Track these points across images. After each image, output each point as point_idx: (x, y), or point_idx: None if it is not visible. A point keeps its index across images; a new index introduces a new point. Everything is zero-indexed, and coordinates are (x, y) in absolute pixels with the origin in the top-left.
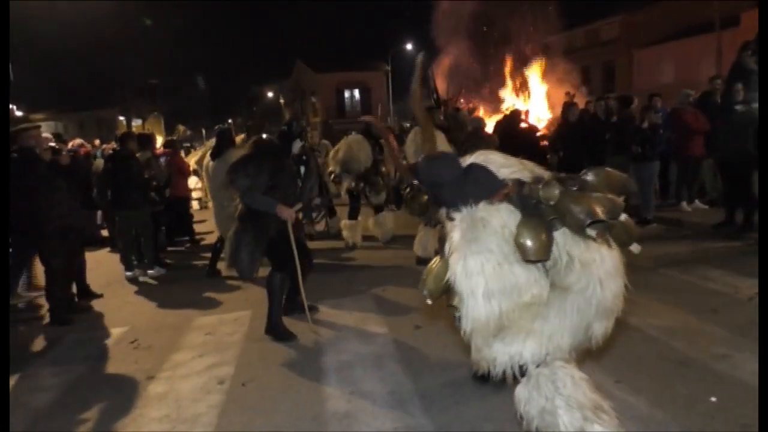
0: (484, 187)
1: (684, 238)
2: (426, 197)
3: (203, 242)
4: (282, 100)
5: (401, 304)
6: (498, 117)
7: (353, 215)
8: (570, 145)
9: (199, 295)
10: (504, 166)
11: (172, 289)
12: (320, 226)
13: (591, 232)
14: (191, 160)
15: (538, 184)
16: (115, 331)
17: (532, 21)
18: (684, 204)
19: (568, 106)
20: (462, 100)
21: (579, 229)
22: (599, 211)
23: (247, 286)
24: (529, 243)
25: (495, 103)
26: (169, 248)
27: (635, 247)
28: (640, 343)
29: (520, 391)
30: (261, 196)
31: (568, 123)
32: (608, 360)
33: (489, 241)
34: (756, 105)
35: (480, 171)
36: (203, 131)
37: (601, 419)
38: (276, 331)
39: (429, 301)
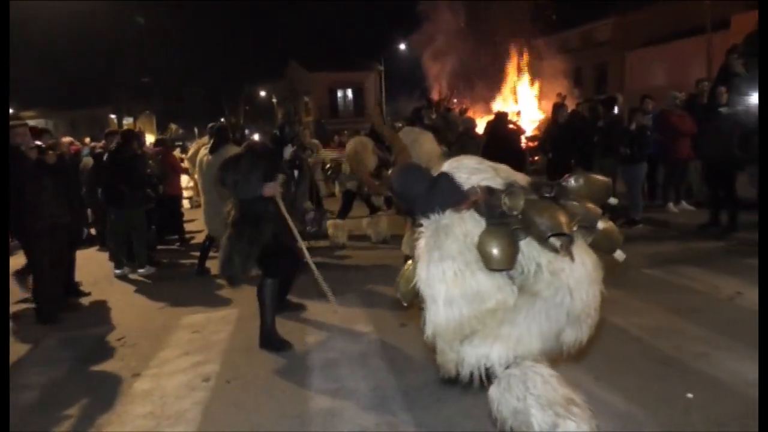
0: (449, 196)
1: (670, 239)
2: None
3: (193, 241)
4: (275, 100)
5: (387, 303)
6: (489, 117)
7: (343, 215)
8: (559, 147)
9: (188, 294)
10: (476, 172)
11: (160, 288)
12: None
13: (555, 242)
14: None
15: (504, 192)
16: (102, 329)
17: (526, 22)
18: (671, 205)
19: (558, 107)
20: (454, 101)
21: (541, 240)
22: (563, 222)
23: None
24: (493, 252)
25: (487, 103)
26: (159, 247)
27: (619, 255)
28: (621, 341)
29: (493, 393)
30: (247, 185)
31: (557, 124)
32: (589, 358)
33: (451, 249)
34: (741, 108)
35: (446, 181)
36: (195, 130)
37: (573, 414)
38: (271, 342)
39: (404, 303)
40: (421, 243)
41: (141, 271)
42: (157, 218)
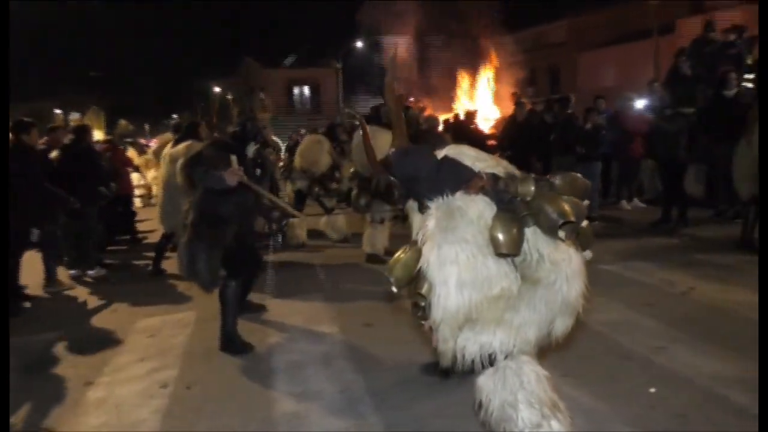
0: (458, 177)
1: (624, 235)
2: (370, 194)
3: (145, 241)
4: (230, 96)
5: (351, 303)
6: (447, 116)
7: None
8: (517, 145)
9: (141, 296)
10: (478, 160)
11: (112, 290)
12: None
13: (561, 233)
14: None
15: (513, 179)
16: (50, 335)
17: (482, 22)
18: (624, 202)
19: (518, 105)
20: (411, 99)
21: (551, 229)
22: (570, 212)
23: (191, 286)
24: (501, 236)
25: (443, 102)
26: (109, 247)
27: (587, 254)
28: (585, 337)
29: (485, 381)
30: (212, 173)
31: (516, 123)
32: (555, 354)
33: (465, 231)
34: (688, 110)
35: (453, 162)
36: (146, 127)
37: (557, 418)
38: (232, 345)
39: (394, 289)
40: (431, 224)
41: (91, 272)
42: (107, 217)
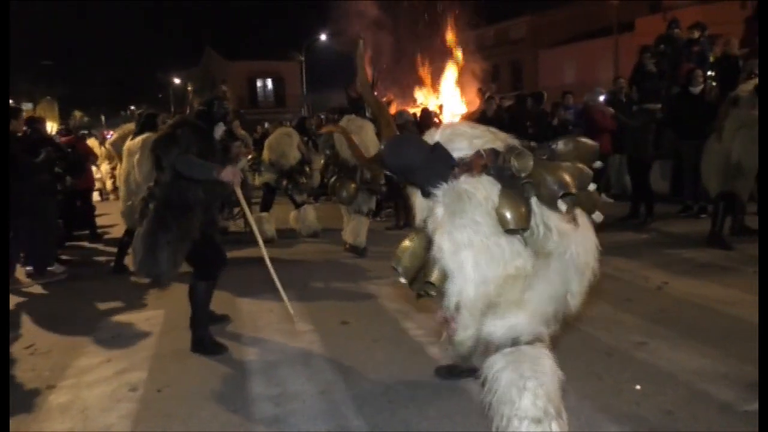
0: (450, 162)
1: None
2: (354, 185)
3: (106, 236)
4: (190, 88)
5: (326, 300)
6: (414, 110)
7: (266, 207)
8: None
9: (104, 294)
10: (476, 137)
11: (73, 288)
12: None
13: (561, 204)
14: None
15: (512, 153)
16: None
17: (445, 17)
18: None
19: (488, 99)
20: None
21: (551, 200)
22: (570, 182)
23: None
24: (508, 213)
25: (408, 96)
26: (68, 243)
27: (597, 216)
28: (564, 333)
29: (498, 359)
30: (197, 159)
31: (486, 118)
32: None
33: (475, 214)
34: (654, 106)
35: (442, 149)
36: (102, 118)
37: (558, 422)
38: (204, 347)
39: (403, 280)
40: (439, 211)
41: (50, 269)
42: (65, 212)
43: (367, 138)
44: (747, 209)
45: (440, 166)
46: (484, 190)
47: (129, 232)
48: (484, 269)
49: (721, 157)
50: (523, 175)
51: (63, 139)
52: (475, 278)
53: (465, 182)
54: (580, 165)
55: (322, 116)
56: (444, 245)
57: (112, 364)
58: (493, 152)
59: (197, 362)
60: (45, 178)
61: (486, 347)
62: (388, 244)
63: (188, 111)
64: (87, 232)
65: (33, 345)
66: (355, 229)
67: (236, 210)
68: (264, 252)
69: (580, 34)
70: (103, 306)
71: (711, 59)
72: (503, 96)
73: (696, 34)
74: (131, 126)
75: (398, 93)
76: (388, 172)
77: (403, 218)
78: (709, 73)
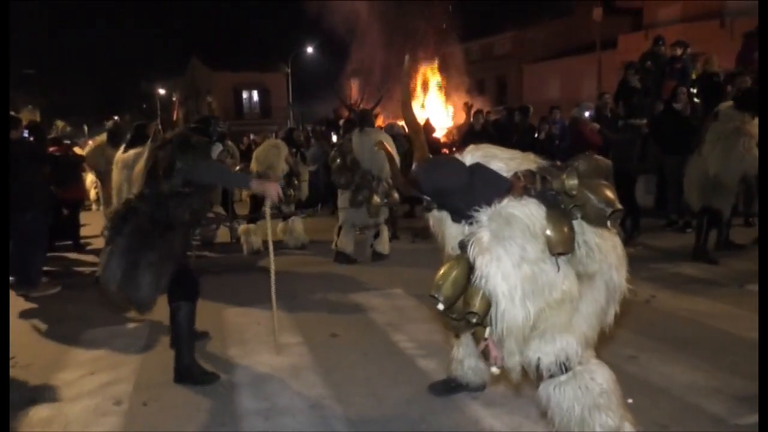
0: (496, 183)
1: None
2: (377, 200)
3: (89, 247)
4: (175, 98)
5: (316, 312)
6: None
7: (254, 220)
8: None
9: (86, 306)
10: (511, 158)
11: (55, 299)
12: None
13: (609, 223)
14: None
15: (552, 173)
16: None
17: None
18: None
19: (476, 114)
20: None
21: (599, 219)
22: (615, 199)
23: None
24: (553, 235)
25: (394, 110)
26: (50, 253)
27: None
28: None
29: (556, 386)
30: (224, 166)
31: (473, 131)
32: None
33: (524, 239)
34: (639, 121)
35: (486, 170)
36: (85, 128)
37: (629, 420)
38: (191, 375)
39: (441, 307)
40: (485, 236)
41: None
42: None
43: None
44: (731, 223)
45: (485, 188)
46: (529, 212)
47: None
48: (531, 295)
49: (700, 171)
50: (574, 193)
51: (52, 148)
52: (522, 305)
53: (511, 206)
54: (606, 183)
55: (309, 128)
56: (491, 272)
57: (95, 378)
58: (531, 173)
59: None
60: (45, 192)
61: (538, 373)
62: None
63: (174, 118)
64: (70, 242)
65: (14, 358)
66: (344, 237)
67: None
68: (272, 266)
69: (564, 50)
70: (85, 318)
71: (693, 76)
72: (489, 110)
73: (678, 52)
74: (103, 137)
75: (386, 105)
76: (422, 195)
77: (391, 231)
78: (692, 90)
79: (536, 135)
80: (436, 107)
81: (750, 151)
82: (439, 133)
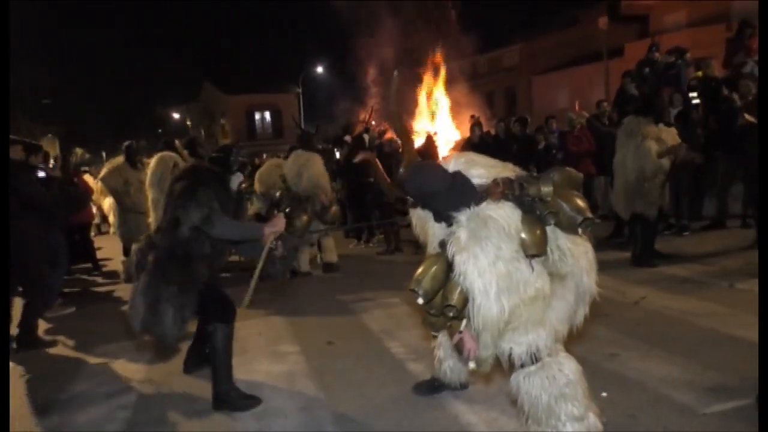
0: (471, 191)
1: None
2: (306, 217)
3: (105, 268)
4: (189, 123)
5: (313, 321)
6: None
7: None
8: None
9: (99, 322)
10: (491, 166)
11: (69, 317)
12: None
13: (580, 229)
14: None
15: (528, 181)
16: None
17: (439, 46)
18: None
19: (472, 126)
20: (373, 122)
21: (571, 226)
22: (586, 207)
23: None
24: (530, 238)
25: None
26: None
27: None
28: None
29: (526, 376)
30: (233, 220)
31: (471, 143)
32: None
33: (499, 239)
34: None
35: (465, 178)
36: (103, 154)
37: (593, 411)
38: (228, 402)
39: (421, 300)
40: (462, 235)
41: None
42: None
43: (312, 171)
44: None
45: (464, 192)
46: (505, 215)
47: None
48: (506, 292)
49: (620, 179)
50: (548, 199)
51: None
52: (497, 300)
53: (489, 208)
54: (578, 194)
55: (320, 146)
56: (468, 269)
57: (104, 388)
58: (509, 180)
59: (184, 384)
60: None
61: (510, 364)
62: (378, 268)
63: (187, 141)
64: (89, 265)
65: (27, 370)
66: (331, 247)
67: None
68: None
69: (571, 60)
70: (97, 333)
71: (692, 81)
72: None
73: (672, 59)
74: (119, 159)
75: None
76: (407, 197)
77: (394, 243)
78: (691, 94)
79: (536, 145)
80: (444, 121)
81: (642, 147)
82: (446, 147)
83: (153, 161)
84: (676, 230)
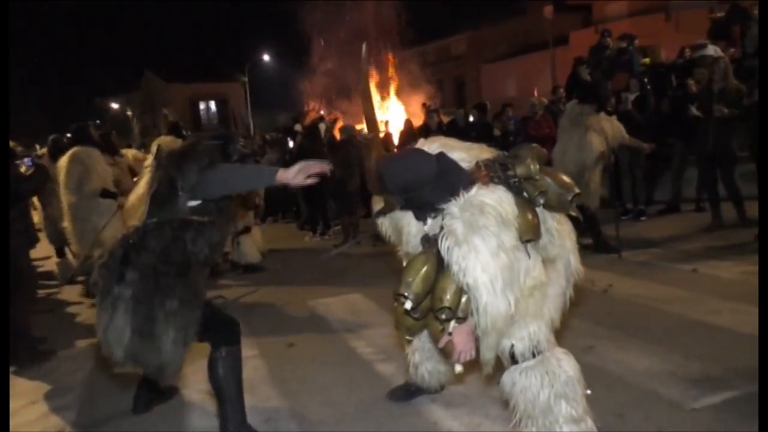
0: (459, 174)
1: None
2: None
3: (41, 268)
4: (130, 113)
5: (272, 323)
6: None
7: None
8: None
9: (35, 330)
10: (469, 148)
11: None
12: None
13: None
14: None
15: (508, 161)
16: None
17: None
18: None
19: (429, 112)
20: (321, 111)
21: (562, 205)
22: (572, 184)
23: (89, 309)
24: (521, 223)
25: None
26: None
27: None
28: None
29: (522, 371)
30: (238, 165)
31: (430, 131)
32: None
33: (498, 227)
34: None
35: (449, 159)
36: (37, 147)
37: (590, 416)
38: None
39: (409, 305)
40: (458, 227)
41: None
42: None
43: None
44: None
45: (454, 179)
46: (502, 201)
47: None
48: (509, 285)
49: (562, 169)
50: (538, 177)
51: None
52: (503, 295)
53: (481, 194)
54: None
55: (267, 137)
56: (469, 264)
57: (37, 407)
58: (491, 162)
59: (131, 397)
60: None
61: (513, 361)
62: (335, 262)
63: (171, 126)
64: None
65: None
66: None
67: None
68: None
69: (518, 49)
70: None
71: (641, 67)
72: (449, 110)
73: (624, 44)
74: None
75: (347, 107)
76: (387, 193)
77: (352, 235)
78: (645, 80)
79: (491, 132)
80: (394, 110)
81: (585, 139)
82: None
83: (64, 160)
84: (633, 215)
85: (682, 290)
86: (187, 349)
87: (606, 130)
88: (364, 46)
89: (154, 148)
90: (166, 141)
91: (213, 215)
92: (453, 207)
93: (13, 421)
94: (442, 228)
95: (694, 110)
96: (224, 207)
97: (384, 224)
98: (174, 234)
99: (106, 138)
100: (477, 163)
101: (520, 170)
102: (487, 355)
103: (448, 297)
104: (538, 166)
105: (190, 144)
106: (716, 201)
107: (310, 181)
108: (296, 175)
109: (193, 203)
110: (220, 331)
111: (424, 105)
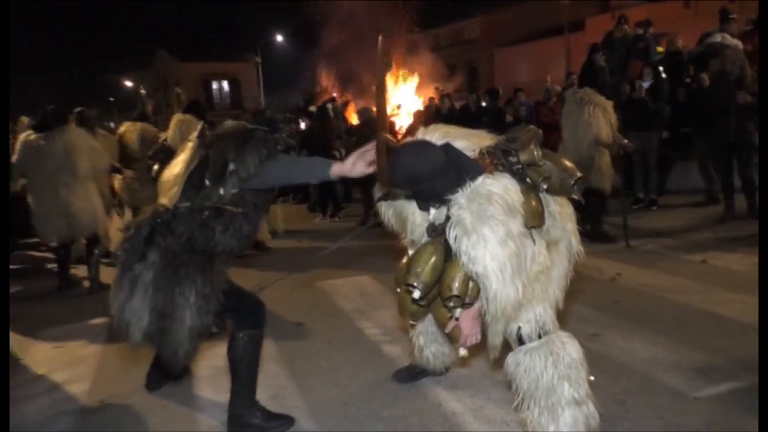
0: (467, 164)
1: None
2: None
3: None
4: (143, 91)
5: (280, 302)
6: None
7: None
8: None
9: (46, 305)
10: (470, 135)
11: (12, 299)
12: None
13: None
14: None
15: (509, 148)
16: None
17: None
18: None
19: (442, 97)
20: (334, 94)
21: (564, 189)
22: (574, 168)
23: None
24: (531, 210)
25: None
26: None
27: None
28: None
29: (527, 352)
30: (294, 158)
31: (441, 114)
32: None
33: (506, 215)
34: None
35: (456, 149)
36: None
37: (591, 399)
38: (255, 426)
39: (418, 295)
40: (466, 217)
41: None
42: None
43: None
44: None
45: (461, 169)
46: (509, 188)
47: (64, 246)
48: (518, 271)
49: (571, 155)
50: (541, 163)
51: None
52: (512, 282)
53: (488, 183)
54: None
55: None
56: (478, 253)
57: (51, 377)
58: (494, 149)
59: (143, 371)
60: None
61: (520, 343)
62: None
63: (191, 103)
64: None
65: None
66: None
67: None
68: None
69: (532, 34)
70: (44, 316)
71: (657, 55)
72: (461, 94)
73: (640, 31)
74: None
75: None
76: (392, 186)
77: (365, 219)
78: (660, 68)
79: (504, 118)
80: (406, 93)
81: (595, 117)
82: (406, 118)
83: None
84: (644, 205)
85: (690, 281)
86: (204, 337)
87: (610, 113)
88: (380, 39)
89: (174, 124)
90: (186, 119)
91: (248, 207)
92: (460, 197)
93: (26, 391)
94: (448, 217)
95: (746, 96)
96: (262, 200)
97: (387, 213)
98: (203, 221)
99: (81, 115)
100: (481, 151)
101: (523, 157)
102: (496, 340)
103: (456, 285)
104: (540, 152)
105: (246, 130)
106: (730, 191)
107: (371, 168)
108: (354, 165)
109: (233, 191)
110: (244, 315)
111: (436, 89)
